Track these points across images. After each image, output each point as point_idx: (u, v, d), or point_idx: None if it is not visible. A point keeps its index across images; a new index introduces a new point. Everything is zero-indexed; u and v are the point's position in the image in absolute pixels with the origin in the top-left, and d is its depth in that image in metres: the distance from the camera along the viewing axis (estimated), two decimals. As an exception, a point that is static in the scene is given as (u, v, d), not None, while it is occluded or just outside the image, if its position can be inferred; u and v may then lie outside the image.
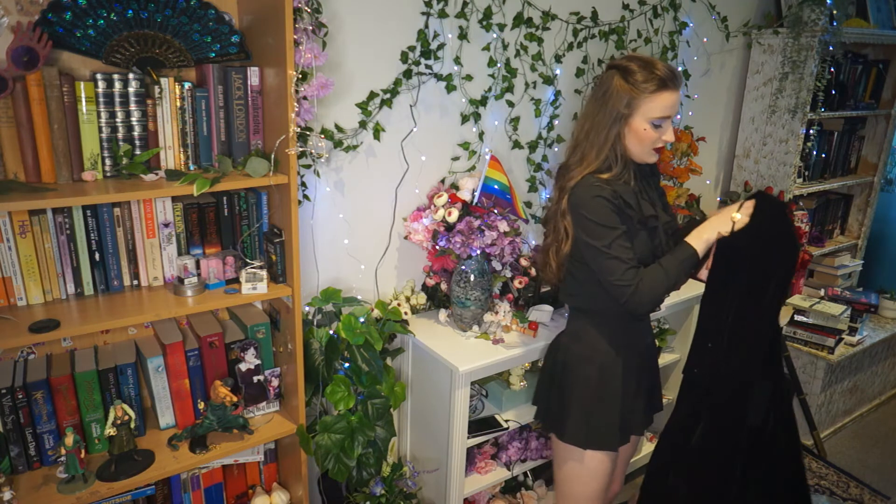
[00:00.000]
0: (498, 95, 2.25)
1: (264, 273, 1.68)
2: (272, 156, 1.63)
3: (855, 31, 2.86)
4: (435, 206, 2.05)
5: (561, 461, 1.78)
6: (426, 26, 2.03)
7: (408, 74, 2.03)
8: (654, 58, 1.57)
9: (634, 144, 1.58)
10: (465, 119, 2.20)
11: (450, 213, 2.00)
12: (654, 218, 1.61)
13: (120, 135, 1.54)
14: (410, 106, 2.08)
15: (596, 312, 1.69)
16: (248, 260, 1.75)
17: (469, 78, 2.17)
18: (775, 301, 1.62)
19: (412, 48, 2.02)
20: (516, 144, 2.37)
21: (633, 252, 1.55)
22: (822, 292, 3.18)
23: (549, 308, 2.22)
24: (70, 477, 1.53)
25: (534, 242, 2.50)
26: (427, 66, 2.07)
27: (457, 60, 2.12)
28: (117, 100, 1.52)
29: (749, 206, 1.57)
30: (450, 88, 2.13)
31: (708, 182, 3.14)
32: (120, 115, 1.53)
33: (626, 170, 1.60)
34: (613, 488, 1.99)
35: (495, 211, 2.01)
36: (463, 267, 2.06)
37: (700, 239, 1.57)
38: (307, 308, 1.94)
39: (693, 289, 2.29)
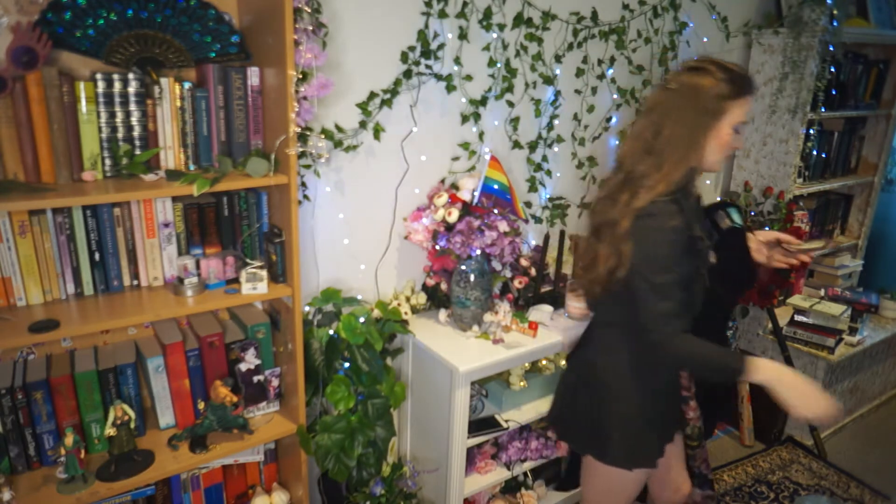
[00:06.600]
0: (498, 95, 2.25)
1: (264, 273, 1.68)
2: (272, 156, 1.63)
3: (855, 30, 2.85)
4: (435, 206, 2.05)
5: (597, 479, 1.72)
6: (426, 26, 2.03)
7: (408, 74, 2.03)
8: (728, 62, 1.48)
9: (713, 151, 1.48)
10: (465, 119, 2.20)
11: (450, 213, 2.00)
12: (700, 239, 1.52)
13: (120, 135, 1.54)
14: (410, 106, 2.08)
15: (635, 326, 1.52)
16: (248, 260, 1.75)
17: (469, 78, 2.17)
18: None
19: (412, 48, 2.02)
20: (516, 144, 2.37)
21: (679, 300, 1.43)
22: (822, 292, 3.17)
23: (549, 308, 2.22)
24: (70, 477, 1.53)
25: (534, 242, 2.49)
26: (427, 66, 2.07)
27: (457, 60, 2.12)
28: (117, 100, 1.51)
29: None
30: (450, 88, 2.12)
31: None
32: (120, 115, 1.53)
33: (690, 184, 1.51)
34: (684, 489, 1.89)
35: (495, 211, 2.01)
36: (463, 267, 2.06)
37: (759, 373, 1.39)
38: (307, 308, 1.93)
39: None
